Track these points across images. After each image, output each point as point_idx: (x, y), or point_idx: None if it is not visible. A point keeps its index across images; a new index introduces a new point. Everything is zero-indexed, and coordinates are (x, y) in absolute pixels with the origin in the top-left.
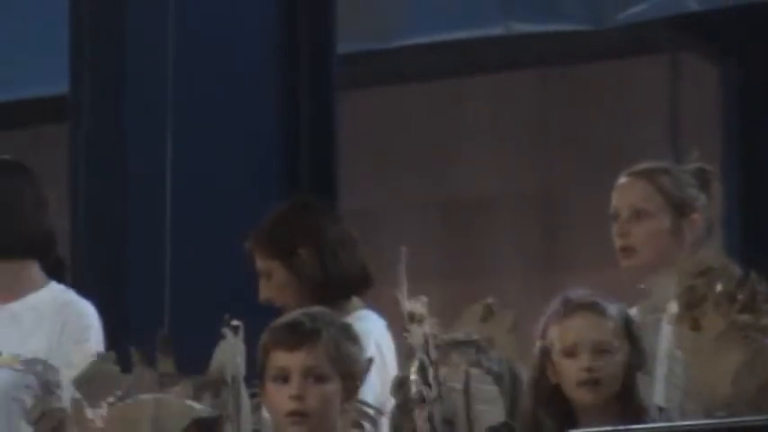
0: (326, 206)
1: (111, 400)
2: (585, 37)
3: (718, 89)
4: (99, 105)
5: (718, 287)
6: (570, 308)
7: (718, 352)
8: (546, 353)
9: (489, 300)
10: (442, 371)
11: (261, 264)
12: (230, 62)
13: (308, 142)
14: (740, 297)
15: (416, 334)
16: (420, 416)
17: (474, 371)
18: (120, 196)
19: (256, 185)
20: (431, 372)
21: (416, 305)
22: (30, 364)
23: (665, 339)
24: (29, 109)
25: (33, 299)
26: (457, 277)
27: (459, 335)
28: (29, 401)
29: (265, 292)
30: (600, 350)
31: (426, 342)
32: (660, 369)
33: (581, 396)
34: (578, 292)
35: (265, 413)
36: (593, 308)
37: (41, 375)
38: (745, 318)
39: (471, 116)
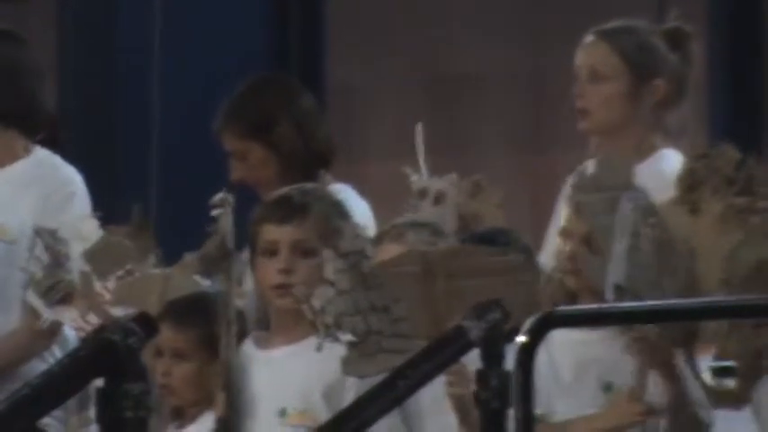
0: (292, 79)
1: (119, 273)
2: None
3: None
4: None
5: (717, 170)
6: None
7: (718, 235)
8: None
9: (477, 176)
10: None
11: (233, 144)
12: None
13: (297, 18)
14: (737, 180)
15: (427, 212)
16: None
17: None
18: (107, 65)
19: (244, 60)
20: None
21: (441, 182)
22: (40, 234)
23: (627, 218)
24: None
25: (12, 169)
26: (441, 153)
27: (416, 217)
28: (38, 273)
29: (239, 172)
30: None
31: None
32: (618, 247)
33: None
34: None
35: (248, 285)
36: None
37: (51, 246)
38: (741, 200)
39: None
